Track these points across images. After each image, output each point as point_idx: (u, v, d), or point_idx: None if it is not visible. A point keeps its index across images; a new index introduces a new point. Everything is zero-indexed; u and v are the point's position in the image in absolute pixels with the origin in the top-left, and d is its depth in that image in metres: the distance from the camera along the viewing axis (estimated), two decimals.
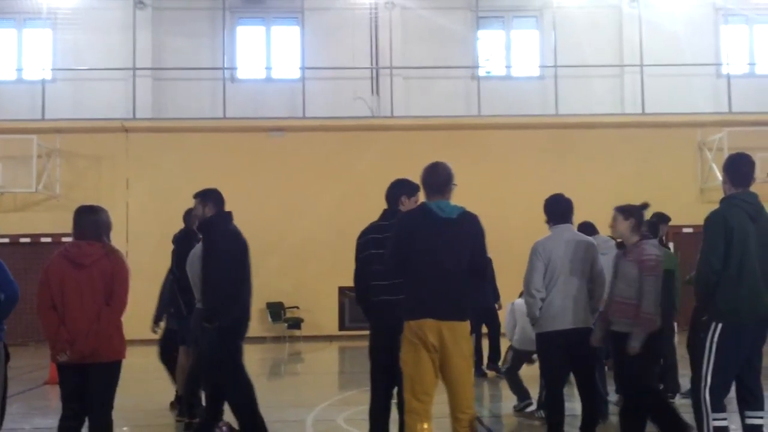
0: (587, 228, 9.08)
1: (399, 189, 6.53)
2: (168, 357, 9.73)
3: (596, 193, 18.14)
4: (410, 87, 21.12)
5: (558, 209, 7.30)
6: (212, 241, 7.10)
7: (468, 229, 5.75)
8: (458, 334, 5.63)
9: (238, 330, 7.07)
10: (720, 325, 5.81)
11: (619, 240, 7.00)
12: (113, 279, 6.03)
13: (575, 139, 20.22)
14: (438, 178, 5.81)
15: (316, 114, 20.59)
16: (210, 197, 7.34)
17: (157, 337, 10.13)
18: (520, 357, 9.53)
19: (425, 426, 5.59)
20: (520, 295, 9.34)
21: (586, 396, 7.25)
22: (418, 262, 5.64)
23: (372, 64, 21.15)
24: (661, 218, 10.11)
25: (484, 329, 12.78)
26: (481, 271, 5.90)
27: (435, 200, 5.76)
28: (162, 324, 10.02)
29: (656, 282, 6.56)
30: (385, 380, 6.15)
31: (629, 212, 6.83)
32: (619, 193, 18.96)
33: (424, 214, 5.76)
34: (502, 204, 18.90)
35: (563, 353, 7.07)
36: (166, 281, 9.73)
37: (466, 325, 5.74)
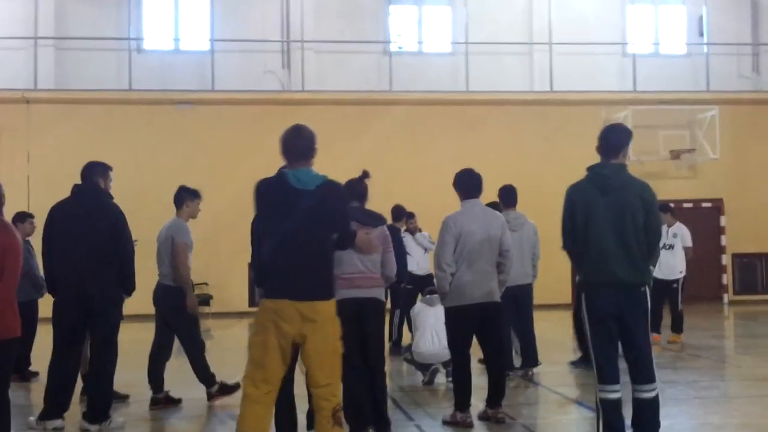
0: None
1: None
2: None
3: (504, 169, 18.38)
4: (322, 61, 20.92)
5: (469, 184, 7.36)
6: None
7: (326, 201, 5.28)
8: (320, 315, 5.15)
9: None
10: (583, 296, 5.93)
11: None
12: (4, 254, 5.71)
13: (485, 115, 20.38)
14: (302, 141, 5.42)
15: (225, 87, 20.25)
16: None
17: None
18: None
19: (258, 411, 5.15)
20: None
21: (494, 369, 7.36)
22: (275, 236, 5.24)
23: (283, 37, 20.87)
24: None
25: None
26: (347, 242, 5.64)
27: (297, 167, 5.35)
28: None
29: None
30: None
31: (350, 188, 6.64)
32: (527, 170, 19.67)
33: (280, 183, 5.36)
34: (412, 179, 18.95)
35: (471, 327, 7.16)
36: None
37: (328, 305, 5.23)
